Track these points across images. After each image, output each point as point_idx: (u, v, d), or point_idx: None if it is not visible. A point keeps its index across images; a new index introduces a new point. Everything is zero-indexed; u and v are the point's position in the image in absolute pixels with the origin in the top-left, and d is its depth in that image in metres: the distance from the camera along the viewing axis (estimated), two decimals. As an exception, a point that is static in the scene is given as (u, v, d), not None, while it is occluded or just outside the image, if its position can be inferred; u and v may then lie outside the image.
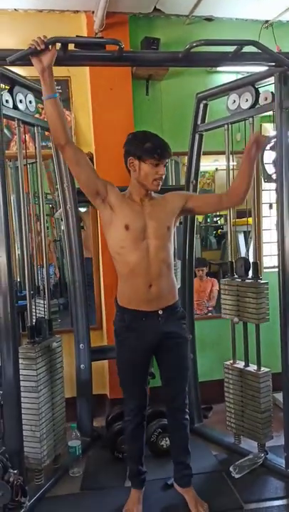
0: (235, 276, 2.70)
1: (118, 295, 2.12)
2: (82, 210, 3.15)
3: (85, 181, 2.01)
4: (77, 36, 2.36)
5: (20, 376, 2.20)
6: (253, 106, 2.48)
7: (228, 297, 2.69)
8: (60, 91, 2.80)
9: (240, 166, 2.10)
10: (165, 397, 2.20)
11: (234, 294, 2.64)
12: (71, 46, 1.99)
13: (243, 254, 3.51)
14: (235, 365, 2.66)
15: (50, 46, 1.84)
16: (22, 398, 2.21)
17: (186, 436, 2.23)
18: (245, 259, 2.66)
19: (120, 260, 2.05)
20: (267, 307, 2.53)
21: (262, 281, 2.54)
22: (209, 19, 3.17)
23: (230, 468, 2.41)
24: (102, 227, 2.09)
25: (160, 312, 2.05)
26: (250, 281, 2.59)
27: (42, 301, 2.60)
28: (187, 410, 2.21)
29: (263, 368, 2.55)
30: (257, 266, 2.59)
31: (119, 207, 2.02)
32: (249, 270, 2.62)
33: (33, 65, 1.89)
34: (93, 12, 2.86)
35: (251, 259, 2.63)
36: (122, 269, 2.05)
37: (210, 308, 3.46)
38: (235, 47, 2.03)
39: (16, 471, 2.01)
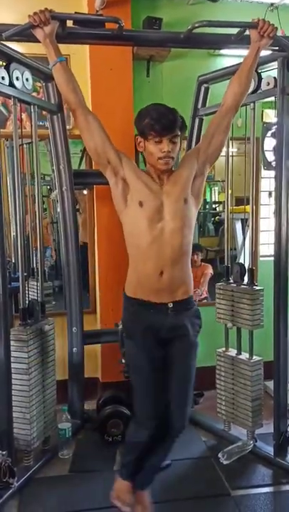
0: (231, 281, 2.69)
1: (126, 284, 1.94)
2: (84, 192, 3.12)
3: (94, 148, 1.86)
4: (76, 13, 2.28)
5: (12, 358, 2.19)
6: (255, 91, 2.42)
7: (222, 302, 2.68)
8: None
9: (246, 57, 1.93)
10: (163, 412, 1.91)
11: (229, 299, 2.63)
12: (70, 23, 1.94)
13: (239, 241, 3.48)
14: (228, 353, 2.66)
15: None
16: (13, 380, 2.20)
17: (165, 456, 2.08)
18: (241, 265, 2.64)
19: (132, 242, 1.87)
20: (261, 313, 2.52)
21: (257, 288, 2.52)
22: (213, 0, 3.09)
23: (219, 455, 2.43)
24: (115, 205, 1.90)
25: (170, 305, 1.84)
26: (245, 287, 2.57)
27: (36, 283, 2.59)
28: (179, 434, 1.98)
29: (254, 357, 2.54)
30: (252, 272, 2.57)
31: (135, 181, 1.84)
32: (244, 276, 2.60)
33: (30, 41, 1.85)
34: (94, -12, 2.78)
35: (247, 249, 2.60)
36: (133, 252, 1.88)
37: (203, 296, 3.44)
38: (238, 29, 1.98)
39: (4, 452, 2.03)
